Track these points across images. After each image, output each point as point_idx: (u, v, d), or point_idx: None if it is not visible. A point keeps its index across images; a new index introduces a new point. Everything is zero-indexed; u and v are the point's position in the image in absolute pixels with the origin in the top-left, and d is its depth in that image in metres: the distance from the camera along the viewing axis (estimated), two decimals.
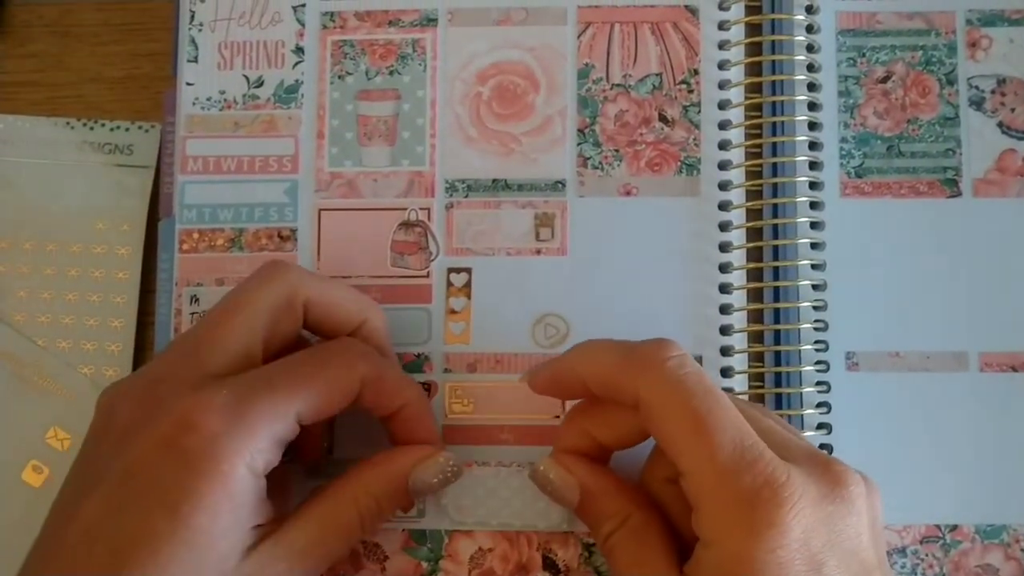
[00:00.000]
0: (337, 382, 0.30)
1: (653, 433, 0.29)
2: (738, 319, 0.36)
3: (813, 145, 0.37)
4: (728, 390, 0.35)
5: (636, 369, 0.29)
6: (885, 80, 0.37)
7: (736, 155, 0.36)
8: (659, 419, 0.28)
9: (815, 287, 0.36)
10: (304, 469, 0.35)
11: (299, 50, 0.38)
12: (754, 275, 0.36)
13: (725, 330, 0.36)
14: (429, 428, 0.33)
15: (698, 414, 0.27)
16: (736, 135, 0.37)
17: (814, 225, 0.36)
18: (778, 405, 0.35)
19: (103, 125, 0.39)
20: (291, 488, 0.35)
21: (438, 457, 0.32)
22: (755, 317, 0.36)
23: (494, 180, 0.37)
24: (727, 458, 0.26)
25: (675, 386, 0.28)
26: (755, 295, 0.36)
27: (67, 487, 0.29)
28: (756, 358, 0.36)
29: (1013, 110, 0.37)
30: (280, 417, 0.28)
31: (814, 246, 0.36)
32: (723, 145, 0.37)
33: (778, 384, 0.35)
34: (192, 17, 0.38)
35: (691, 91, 0.37)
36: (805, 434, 0.35)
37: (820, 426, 0.35)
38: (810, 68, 0.37)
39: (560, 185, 0.37)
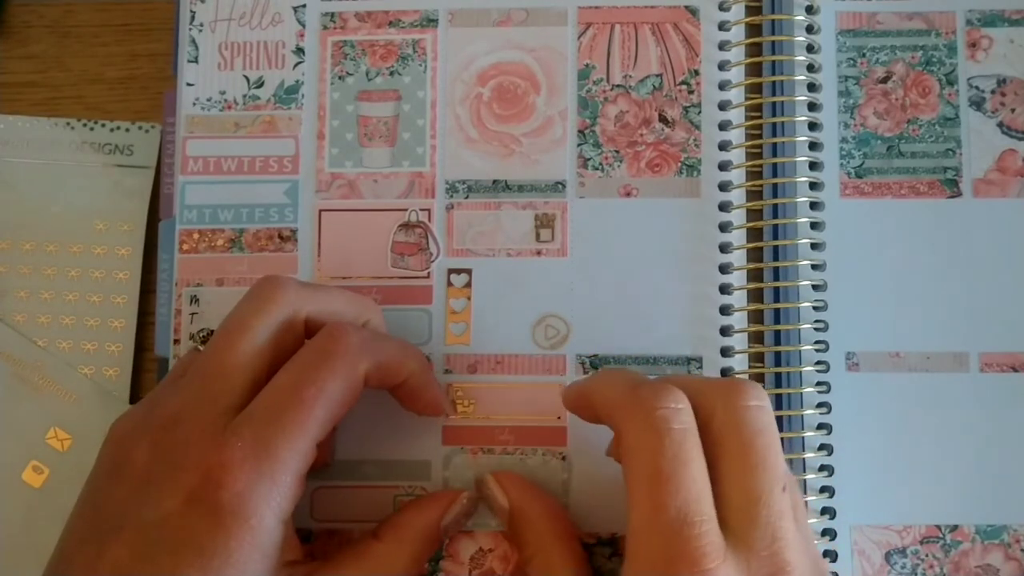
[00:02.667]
0: (344, 391, 0.30)
1: (624, 474, 0.28)
2: (738, 320, 0.36)
3: (813, 145, 0.37)
4: None
5: (629, 406, 0.29)
6: (885, 80, 0.37)
7: (736, 156, 0.37)
8: (627, 462, 0.28)
9: (815, 287, 0.36)
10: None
11: (299, 51, 0.38)
12: (754, 276, 0.36)
13: (725, 331, 0.36)
14: (433, 395, 0.34)
15: (660, 471, 0.27)
16: (736, 136, 0.37)
17: (814, 225, 0.36)
18: (778, 405, 0.35)
19: (103, 126, 0.39)
20: None
21: (461, 500, 0.33)
22: (755, 318, 0.36)
23: (494, 181, 0.37)
24: (665, 522, 0.26)
25: (653, 436, 0.27)
26: (755, 296, 0.36)
27: (80, 521, 0.29)
28: (756, 359, 0.36)
29: (1013, 110, 0.37)
30: (299, 455, 0.28)
31: (814, 246, 0.36)
32: (723, 146, 0.37)
33: (778, 385, 0.35)
34: (192, 17, 0.38)
35: (691, 92, 0.37)
36: (805, 434, 0.35)
37: (820, 426, 0.35)
38: (810, 68, 0.37)
39: (560, 186, 0.37)
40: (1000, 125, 0.37)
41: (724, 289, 0.36)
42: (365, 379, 0.30)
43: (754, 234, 0.36)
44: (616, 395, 0.29)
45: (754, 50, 0.37)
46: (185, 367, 0.31)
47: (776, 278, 0.36)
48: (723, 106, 0.37)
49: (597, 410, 0.31)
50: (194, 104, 0.38)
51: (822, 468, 0.35)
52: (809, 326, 0.35)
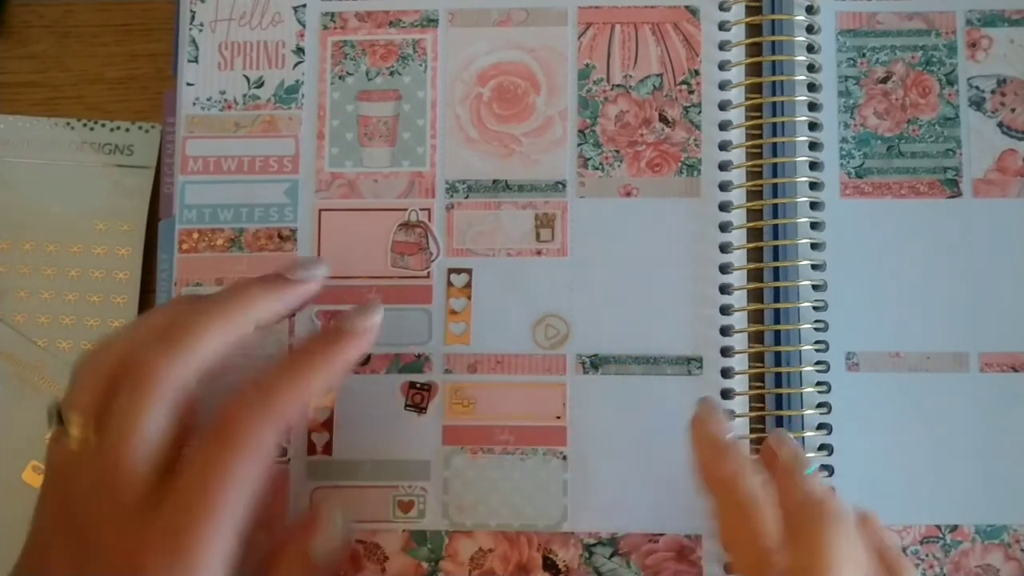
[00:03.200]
0: (253, 469, 0.28)
1: None
2: (738, 320, 0.36)
3: (813, 145, 0.37)
4: (728, 391, 0.35)
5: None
6: (885, 80, 0.37)
7: (736, 156, 0.37)
8: None
9: (815, 287, 0.36)
10: (305, 469, 0.35)
11: (300, 50, 0.38)
12: (754, 276, 0.36)
13: (725, 331, 0.36)
14: (348, 355, 0.31)
15: None
16: (736, 136, 0.37)
17: (814, 225, 0.36)
18: (778, 405, 0.35)
19: (103, 126, 0.39)
20: (288, 489, 0.35)
21: (325, 530, 0.31)
22: (755, 318, 0.36)
23: (494, 181, 0.37)
24: None
25: None
26: (755, 296, 0.36)
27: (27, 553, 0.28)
28: (756, 359, 0.36)
29: (1013, 110, 0.37)
30: (220, 550, 0.27)
31: (814, 246, 0.36)
32: (723, 146, 0.37)
33: (778, 384, 0.35)
34: (192, 17, 0.38)
35: (692, 92, 0.37)
36: (805, 434, 0.35)
37: (820, 426, 0.35)
38: (810, 68, 0.37)
39: (560, 186, 0.37)
40: (1000, 125, 0.37)
41: (724, 289, 0.36)
42: (278, 440, 0.29)
43: (754, 234, 0.36)
44: (749, 537, 0.29)
45: (754, 50, 0.37)
46: (65, 461, 0.29)
47: (776, 278, 0.36)
48: (723, 106, 0.37)
49: (717, 498, 0.31)
50: (194, 104, 0.38)
51: (822, 468, 0.35)
52: (809, 326, 0.35)
